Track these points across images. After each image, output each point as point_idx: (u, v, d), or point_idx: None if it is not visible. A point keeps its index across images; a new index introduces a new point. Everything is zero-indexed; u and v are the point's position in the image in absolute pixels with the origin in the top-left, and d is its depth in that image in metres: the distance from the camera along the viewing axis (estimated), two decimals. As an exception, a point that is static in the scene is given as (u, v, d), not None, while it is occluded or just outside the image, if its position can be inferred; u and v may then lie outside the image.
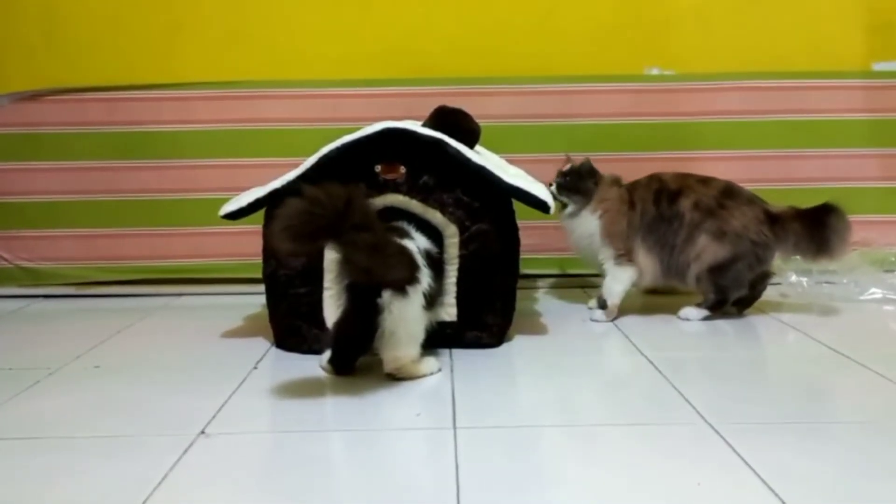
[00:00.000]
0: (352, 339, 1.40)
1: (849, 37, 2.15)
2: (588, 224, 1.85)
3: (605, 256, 1.84)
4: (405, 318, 1.35)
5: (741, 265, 1.78)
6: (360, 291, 1.34)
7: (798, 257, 1.83)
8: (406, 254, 1.38)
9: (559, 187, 1.84)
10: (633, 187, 1.87)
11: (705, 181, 1.83)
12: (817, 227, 1.76)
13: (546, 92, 2.15)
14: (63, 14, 2.12)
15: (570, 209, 1.86)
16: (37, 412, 1.29)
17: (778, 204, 1.82)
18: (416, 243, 1.43)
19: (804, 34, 2.15)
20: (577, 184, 1.85)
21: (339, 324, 1.40)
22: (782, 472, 1.02)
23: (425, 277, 1.39)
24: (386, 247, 1.32)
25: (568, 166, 1.87)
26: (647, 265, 1.82)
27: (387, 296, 1.33)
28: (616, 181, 1.88)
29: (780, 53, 2.15)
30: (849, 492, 0.98)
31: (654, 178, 1.86)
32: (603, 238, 1.83)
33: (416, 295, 1.37)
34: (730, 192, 1.81)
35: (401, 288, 1.34)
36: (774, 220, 1.79)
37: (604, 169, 1.88)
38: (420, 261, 1.39)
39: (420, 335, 1.40)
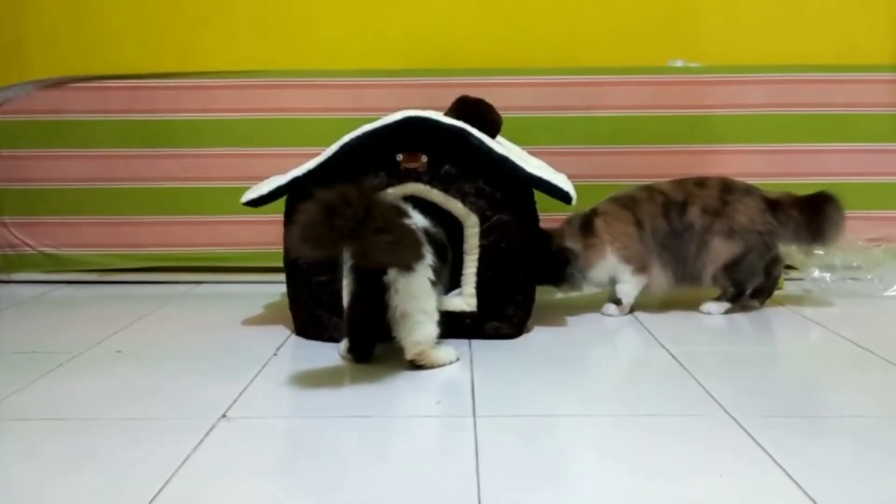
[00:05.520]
0: (364, 322, 1.41)
1: (877, 30, 2.11)
2: (604, 267, 1.81)
3: (622, 271, 1.81)
4: (413, 293, 1.35)
5: (753, 256, 1.78)
6: (364, 272, 1.35)
7: (794, 245, 1.84)
8: (415, 236, 1.36)
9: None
10: (632, 204, 1.81)
11: (701, 183, 1.82)
12: (814, 216, 1.77)
13: (568, 83, 2.13)
14: (88, 3, 2.14)
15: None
16: (60, 395, 1.30)
17: (774, 191, 1.82)
18: (415, 221, 1.41)
19: (831, 27, 2.12)
20: (558, 279, 1.81)
21: (350, 308, 1.41)
22: (805, 464, 1.01)
23: (428, 253, 1.38)
24: (403, 239, 1.31)
25: None
26: (659, 279, 1.81)
27: (392, 273, 1.33)
28: (591, 213, 1.82)
29: (807, 46, 2.12)
30: (872, 484, 0.97)
31: (655, 192, 1.82)
32: (623, 262, 1.80)
33: (423, 270, 1.36)
34: (728, 188, 1.81)
35: (406, 265, 1.34)
36: (775, 206, 1.79)
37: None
38: (422, 237, 1.39)
39: (433, 311, 1.39)
